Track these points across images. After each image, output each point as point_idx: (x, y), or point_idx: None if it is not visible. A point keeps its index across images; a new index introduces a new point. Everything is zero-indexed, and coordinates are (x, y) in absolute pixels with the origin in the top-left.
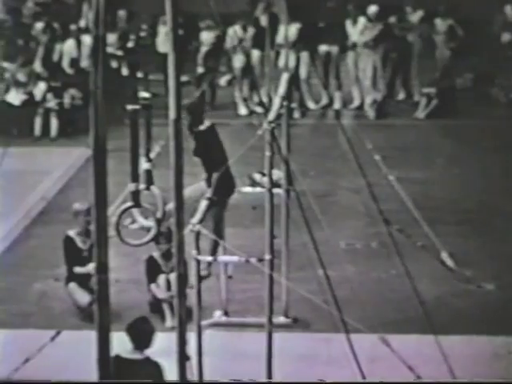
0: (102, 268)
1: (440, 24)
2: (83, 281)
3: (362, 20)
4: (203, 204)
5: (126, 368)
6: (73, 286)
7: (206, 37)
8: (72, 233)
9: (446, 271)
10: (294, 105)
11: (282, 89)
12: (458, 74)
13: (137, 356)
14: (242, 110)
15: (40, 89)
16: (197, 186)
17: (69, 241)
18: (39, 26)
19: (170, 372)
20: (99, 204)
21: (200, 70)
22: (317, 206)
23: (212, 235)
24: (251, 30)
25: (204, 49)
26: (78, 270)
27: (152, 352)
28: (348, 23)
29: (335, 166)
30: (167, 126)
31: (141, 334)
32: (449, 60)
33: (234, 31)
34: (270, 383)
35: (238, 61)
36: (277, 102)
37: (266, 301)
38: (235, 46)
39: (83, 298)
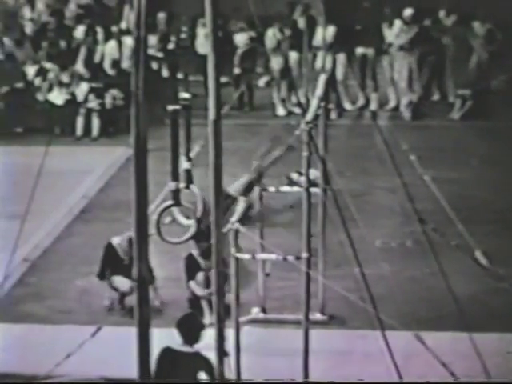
0: (143, 265)
1: (478, 28)
2: (124, 273)
3: (397, 23)
4: (241, 203)
5: (175, 359)
6: (114, 278)
7: (240, 39)
8: (115, 241)
9: (479, 269)
10: (331, 106)
11: (319, 90)
12: (492, 75)
13: (187, 349)
14: (280, 111)
15: (82, 89)
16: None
17: (110, 248)
18: (81, 27)
19: None
20: (140, 202)
21: (236, 71)
22: (353, 205)
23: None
24: (289, 32)
25: (240, 50)
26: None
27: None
28: (384, 26)
29: (371, 166)
30: (207, 126)
31: (189, 329)
32: (485, 63)
33: (273, 33)
34: (306, 383)
35: (276, 62)
36: (314, 103)
37: (303, 298)
38: (273, 47)
39: (124, 284)
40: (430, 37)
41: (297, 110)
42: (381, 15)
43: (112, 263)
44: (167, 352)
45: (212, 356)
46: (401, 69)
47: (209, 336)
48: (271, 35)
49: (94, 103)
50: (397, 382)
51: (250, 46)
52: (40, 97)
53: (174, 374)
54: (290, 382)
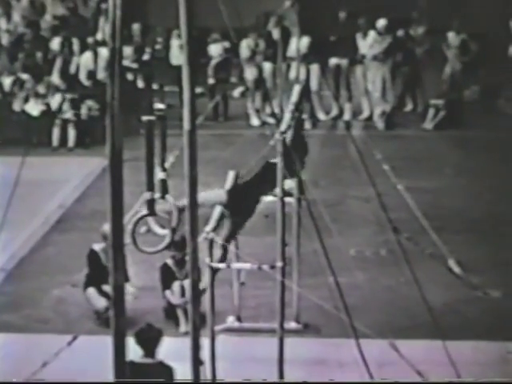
0: (119, 274)
1: (452, 38)
2: (100, 286)
3: (371, 33)
4: (217, 212)
5: (139, 372)
6: (91, 291)
7: (215, 49)
8: (97, 247)
9: (453, 278)
10: (304, 116)
11: (293, 100)
12: (465, 86)
13: (149, 361)
14: (255, 121)
15: (57, 100)
16: (213, 193)
17: (93, 255)
18: (57, 39)
19: (185, 376)
20: (115, 212)
21: (211, 81)
22: (327, 214)
23: (223, 242)
24: (263, 43)
25: (214, 61)
26: (105, 288)
27: (166, 356)
28: (359, 36)
29: (345, 175)
30: (182, 136)
31: (147, 342)
32: (459, 73)
33: (247, 44)
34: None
35: (251, 73)
36: (288, 113)
37: (278, 307)
38: (248, 58)
39: (100, 302)
40: (403, 47)
41: (271, 120)
42: (355, 26)
43: (94, 272)
44: (130, 366)
45: (185, 365)
46: (374, 79)
47: (184, 345)
48: (245, 46)
49: (69, 114)
50: (368, 382)
51: (225, 56)
52: (16, 108)
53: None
54: (270, 382)
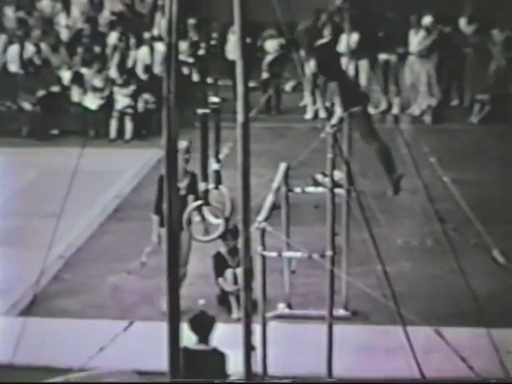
0: (174, 262)
1: (497, 35)
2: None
3: (421, 31)
4: (269, 201)
5: (192, 359)
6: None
7: (271, 45)
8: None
9: (497, 268)
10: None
11: None
12: (510, 81)
13: (203, 347)
14: (308, 114)
15: (115, 94)
16: None
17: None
18: (114, 34)
19: (236, 361)
20: (171, 202)
21: (264, 75)
22: (376, 205)
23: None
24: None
25: (269, 56)
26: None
27: (219, 342)
28: (411, 33)
29: None
30: (235, 128)
31: (201, 328)
32: (504, 69)
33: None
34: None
35: (306, 68)
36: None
37: (327, 294)
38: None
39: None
40: (449, 43)
41: (322, 114)
42: (404, 23)
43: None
44: (184, 352)
45: (239, 351)
46: (420, 75)
47: (236, 331)
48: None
49: (127, 107)
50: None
51: (280, 52)
52: (75, 99)
53: (194, 372)
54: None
